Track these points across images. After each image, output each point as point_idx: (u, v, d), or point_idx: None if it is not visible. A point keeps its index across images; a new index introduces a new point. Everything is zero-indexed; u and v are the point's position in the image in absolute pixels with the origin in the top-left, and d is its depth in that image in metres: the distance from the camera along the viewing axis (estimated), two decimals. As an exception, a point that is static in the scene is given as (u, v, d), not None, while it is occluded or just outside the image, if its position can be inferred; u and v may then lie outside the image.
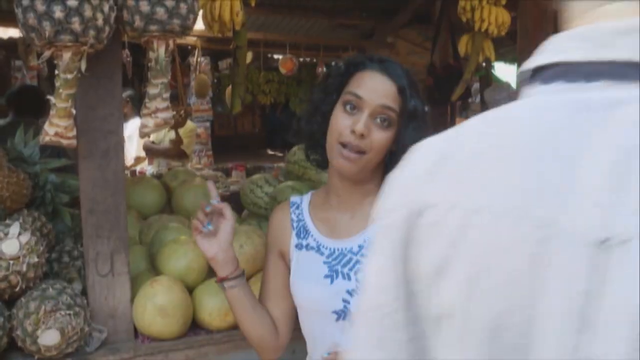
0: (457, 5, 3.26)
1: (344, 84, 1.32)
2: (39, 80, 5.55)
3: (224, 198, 2.62)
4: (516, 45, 3.93)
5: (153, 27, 1.36)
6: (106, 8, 1.29)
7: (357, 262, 1.33)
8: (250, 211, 2.45)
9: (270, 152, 9.08)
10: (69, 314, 1.41)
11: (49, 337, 1.35)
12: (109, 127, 1.49)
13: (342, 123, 1.27)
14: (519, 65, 3.66)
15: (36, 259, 1.47)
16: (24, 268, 1.44)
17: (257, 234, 1.77)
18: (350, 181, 1.35)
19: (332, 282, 1.33)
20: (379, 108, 1.26)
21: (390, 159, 1.33)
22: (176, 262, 1.68)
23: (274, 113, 10.24)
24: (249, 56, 4.52)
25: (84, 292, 1.57)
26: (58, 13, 1.22)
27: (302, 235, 1.41)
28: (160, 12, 1.35)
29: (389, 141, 1.29)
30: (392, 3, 5.52)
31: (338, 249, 1.36)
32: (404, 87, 1.28)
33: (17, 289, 1.44)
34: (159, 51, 1.41)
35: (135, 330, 1.60)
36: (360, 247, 1.35)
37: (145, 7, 1.34)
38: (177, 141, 4.69)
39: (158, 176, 3.81)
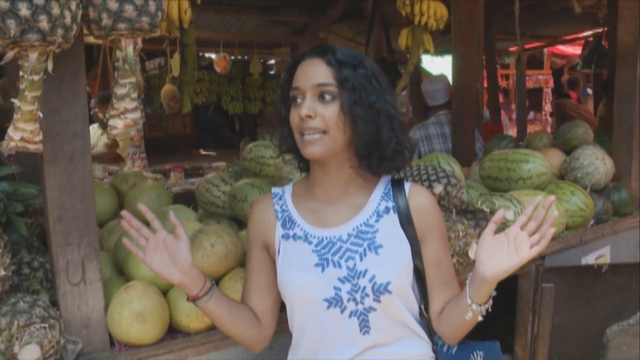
0: (391, 1, 3.34)
1: (290, 85, 1.38)
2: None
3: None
4: (445, 37, 4.08)
5: (122, 25, 1.31)
6: (73, 6, 1.23)
7: (347, 250, 1.36)
8: (207, 211, 2.42)
9: (203, 152, 8.94)
10: (44, 327, 1.34)
11: (28, 353, 1.28)
12: (74, 129, 1.43)
13: (293, 116, 1.34)
14: (453, 56, 3.81)
15: (3, 272, 1.39)
16: (-9, 282, 1.36)
17: (226, 233, 1.75)
18: (332, 170, 1.38)
19: (323, 270, 1.35)
20: (315, 88, 1.31)
21: (359, 143, 1.35)
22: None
23: (205, 113, 10.08)
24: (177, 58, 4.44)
25: (53, 303, 1.50)
26: (24, 10, 1.16)
27: (288, 226, 1.42)
28: (130, 9, 1.30)
29: (341, 113, 1.31)
30: (323, -1, 5.59)
31: (327, 238, 1.38)
32: (331, 61, 1.32)
33: (-13, 304, 1.36)
34: (127, 50, 1.37)
35: (111, 339, 1.54)
36: (350, 235, 1.38)
37: (113, 4, 1.29)
38: (113, 145, 4.54)
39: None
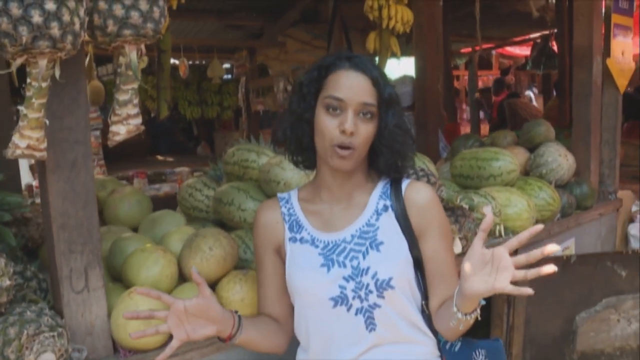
0: (350, 4, 3.40)
1: (320, 89, 1.40)
2: None
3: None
4: (410, 38, 4.19)
5: (127, 32, 1.32)
6: (82, 12, 1.24)
7: (351, 250, 1.40)
8: (190, 215, 2.41)
9: (159, 157, 8.79)
10: (53, 336, 1.33)
11: (45, 361, 1.27)
12: (76, 137, 1.43)
13: (329, 126, 1.35)
14: (415, 58, 3.92)
15: (8, 282, 1.37)
16: (-3, 293, 1.34)
17: (223, 236, 1.77)
18: (343, 176, 1.43)
19: (328, 270, 1.39)
20: (361, 105, 1.35)
21: (383, 159, 1.43)
22: (148, 270, 1.64)
23: (157, 118, 9.91)
24: (146, 60, 4.37)
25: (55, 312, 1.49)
26: (36, 17, 1.15)
27: (295, 229, 1.45)
28: (135, 16, 1.31)
29: (374, 132, 1.38)
30: (279, 3, 5.62)
31: (332, 242, 1.43)
32: (377, 78, 1.37)
33: (-6, 315, 1.34)
34: (131, 56, 1.37)
35: (114, 345, 1.54)
36: (353, 236, 1.42)
37: (119, 11, 1.30)
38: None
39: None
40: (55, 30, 1.18)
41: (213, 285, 1.75)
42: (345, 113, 1.35)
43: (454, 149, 3.65)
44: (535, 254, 1.19)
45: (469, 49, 7.70)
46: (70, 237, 1.44)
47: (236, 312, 1.40)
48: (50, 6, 1.16)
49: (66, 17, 1.19)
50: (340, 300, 1.39)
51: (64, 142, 1.41)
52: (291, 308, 1.49)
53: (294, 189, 1.56)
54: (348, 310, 1.39)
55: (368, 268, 1.38)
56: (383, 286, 1.37)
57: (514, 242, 1.20)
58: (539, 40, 6.88)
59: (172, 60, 6.93)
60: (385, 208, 1.45)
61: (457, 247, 2.12)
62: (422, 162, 2.65)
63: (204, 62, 6.79)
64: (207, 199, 2.35)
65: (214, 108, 7.91)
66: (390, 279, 1.38)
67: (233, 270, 1.78)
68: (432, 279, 1.45)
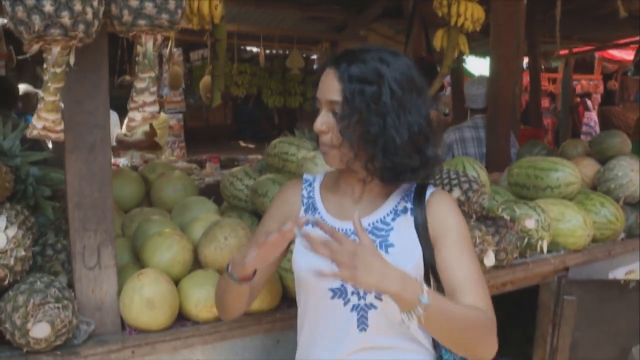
0: (431, 1, 3.32)
1: None
2: (6, 71, 5.42)
3: (198, 190, 2.63)
4: (488, 39, 4.03)
5: (141, 22, 1.36)
6: (95, 2, 1.29)
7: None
8: (230, 204, 2.46)
9: (242, 144, 9.06)
10: (58, 307, 1.41)
11: (39, 330, 1.35)
12: (95, 120, 1.49)
13: (315, 124, 1.36)
14: (490, 59, 3.75)
15: (23, 253, 1.47)
16: (12, 262, 1.44)
17: (241, 227, 1.79)
18: (355, 178, 1.42)
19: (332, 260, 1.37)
20: (328, 104, 1.33)
21: (370, 160, 1.34)
22: (161, 254, 1.70)
23: (246, 105, 10.20)
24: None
25: (70, 285, 1.57)
26: (48, 7, 1.22)
27: (310, 212, 1.46)
28: (149, 6, 1.35)
29: (346, 129, 1.30)
30: (364, -4, 5.58)
31: (342, 229, 1.40)
32: (342, 74, 1.30)
33: (5, 282, 1.44)
34: (147, 46, 1.41)
35: (122, 322, 1.61)
36: (365, 230, 1.38)
37: (134, 1, 1.34)
38: (151, 133, 4.66)
39: (133, 168, 3.79)
40: (66, 19, 1.24)
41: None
42: (320, 111, 1.35)
43: (519, 156, 3.48)
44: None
45: (566, 51, 7.26)
46: (85, 216, 1.52)
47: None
48: (62, -4, 1.22)
49: (77, 7, 1.24)
50: (339, 292, 1.37)
51: (83, 125, 1.48)
52: (264, 281, 1.48)
53: (320, 174, 1.55)
54: (345, 304, 1.37)
55: None
56: None
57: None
58: (644, 44, 6.36)
59: (253, 49, 7.09)
60: (405, 210, 1.41)
61: (490, 260, 2.02)
62: (472, 167, 2.54)
63: (287, 52, 6.88)
64: (246, 189, 2.38)
65: (297, 98, 7.99)
66: None
67: (248, 261, 1.79)
68: (450, 290, 1.35)
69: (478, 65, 7.50)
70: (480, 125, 3.97)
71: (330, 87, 1.32)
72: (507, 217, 2.16)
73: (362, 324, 1.37)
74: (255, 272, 1.36)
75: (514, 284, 2.29)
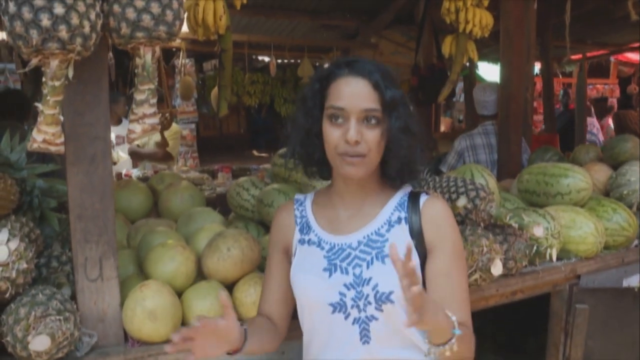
0: (441, 7, 3.31)
1: (323, 100, 1.37)
2: (22, 84, 5.50)
3: (210, 200, 2.63)
4: (499, 46, 3.99)
5: (139, 34, 1.37)
6: (93, 15, 1.30)
7: (356, 257, 1.38)
8: (236, 214, 2.46)
9: (256, 153, 9.09)
10: (59, 319, 1.41)
11: (39, 343, 1.35)
12: (95, 132, 1.50)
13: (334, 135, 1.33)
14: (501, 64, 3.72)
15: (25, 265, 1.48)
16: (14, 274, 1.45)
17: (243, 237, 1.79)
18: (356, 184, 1.41)
19: (330, 275, 1.38)
20: (363, 112, 1.31)
21: (392, 165, 1.39)
22: (164, 266, 1.70)
23: (259, 114, 10.24)
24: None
25: (73, 297, 1.58)
26: (45, 21, 1.23)
27: (305, 231, 1.46)
28: (147, 19, 1.36)
29: (382, 136, 1.33)
30: (374, 4, 5.57)
31: (338, 244, 1.41)
32: (377, 82, 1.32)
33: (7, 295, 1.44)
34: (146, 57, 1.42)
35: (125, 334, 1.60)
36: (360, 243, 1.39)
37: (131, 14, 1.35)
38: (163, 144, 4.69)
39: (144, 179, 3.81)
40: (63, 33, 1.25)
41: (230, 286, 1.77)
42: (348, 122, 1.32)
43: (531, 162, 3.44)
44: (397, 263, 1.09)
45: (579, 56, 7.18)
46: (87, 228, 1.52)
47: (242, 323, 1.37)
48: (59, 10, 1.23)
49: (75, 21, 1.25)
50: (339, 307, 1.37)
51: (84, 137, 1.49)
52: (288, 311, 1.50)
53: (311, 192, 1.56)
54: (345, 318, 1.37)
55: (370, 278, 1.36)
56: (382, 299, 1.34)
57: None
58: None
59: (264, 59, 7.12)
60: (399, 220, 1.41)
61: (498, 269, 1.99)
62: (481, 175, 2.51)
63: (298, 60, 6.91)
64: (252, 199, 2.38)
65: (309, 107, 8.02)
66: (390, 292, 1.33)
67: (251, 272, 1.79)
68: (440, 299, 1.33)
69: (491, 72, 7.45)
70: (490, 131, 3.94)
71: (364, 96, 1.31)
72: (516, 225, 2.12)
73: (365, 336, 1.36)
74: (242, 342, 1.31)
75: (524, 293, 2.25)
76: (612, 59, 9.20)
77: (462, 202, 2.06)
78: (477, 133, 3.97)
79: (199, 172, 5.12)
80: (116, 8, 1.35)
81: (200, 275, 1.79)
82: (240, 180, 2.51)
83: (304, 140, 1.42)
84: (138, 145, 4.77)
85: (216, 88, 6.11)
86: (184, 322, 1.65)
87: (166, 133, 4.68)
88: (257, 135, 9.97)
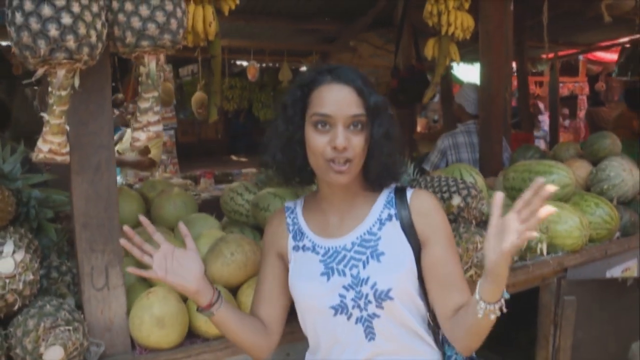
0: (420, 9, 3.36)
1: (305, 107, 1.39)
2: (-3, 93, 5.40)
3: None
4: (477, 46, 4.07)
5: (144, 43, 1.38)
6: (99, 25, 1.31)
7: (351, 258, 1.40)
8: (231, 219, 2.47)
9: (234, 158, 9.07)
10: (69, 330, 1.41)
11: (53, 353, 1.35)
12: (100, 141, 1.51)
13: (319, 142, 1.34)
14: (481, 65, 3.79)
15: (31, 277, 1.47)
16: (21, 286, 1.44)
17: (246, 242, 1.80)
18: (341, 188, 1.43)
19: (328, 279, 1.40)
20: (350, 118, 1.34)
21: (373, 167, 1.41)
22: (169, 272, 1.70)
23: (237, 119, 10.22)
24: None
25: (77, 307, 1.58)
26: (53, 31, 1.23)
27: (298, 238, 1.47)
28: (152, 27, 1.37)
29: (366, 141, 1.36)
30: (353, 8, 5.62)
31: (332, 248, 1.43)
32: (361, 88, 1.35)
33: (15, 307, 1.44)
34: (150, 66, 1.43)
35: (132, 342, 1.61)
36: (354, 244, 1.42)
37: (136, 23, 1.36)
38: (145, 151, 4.66)
39: (128, 186, 3.78)
40: (71, 42, 1.25)
41: (235, 290, 1.78)
42: (335, 128, 1.34)
43: (513, 160, 3.52)
44: (527, 194, 1.15)
45: (552, 55, 7.35)
46: (92, 237, 1.52)
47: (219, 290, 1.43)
48: (67, 20, 1.24)
49: (82, 31, 1.26)
50: (340, 309, 1.39)
51: (89, 146, 1.49)
52: (280, 315, 1.50)
53: (300, 198, 1.57)
54: (348, 319, 1.40)
55: (368, 278, 1.38)
56: (382, 297, 1.37)
57: (520, 202, 1.16)
58: (628, 45, 6.46)
59: (243, 63, 7.12)
60: (390, 217, 1.44)
61: (492, 265, 2.04)
62: (469, 174, 2.57)
63: (277, 64, 6.93)
64: (247, 204, 2.39)
65: (287, 110, 8.05)
66: (389, 290, 1.36)
67: (255, 276, 1.80)
68: (442, 286, 1.40)
69: (467, 72, 7.57)
70: (472, 130, 4.01)
71: (350, 102, 1.33)
72: (507, 222, 2.18)
73: (370, 334, 1.39)
74: (215, 298, 1.38)
75: (515, 287, 2.31)
76: (581, 57, 9.43)
77: (456, 200, 2.10)
78: (459, 132, 4.04)
79: (181, 178, 5.10)
80: (121, 17, 1.36)
81: (203, 280, 1.79)
82: (234, 185, 2.52)
83: (285, 147, 1.42)
84: (119, 152, 4.72)
85: (197, 94, 6.12)
86: (190, 328, 1.66)
87: (148, 140, 4.65)
88: (236, 140, 9.95)
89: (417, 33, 5.20)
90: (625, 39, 6.82)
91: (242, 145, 9.86)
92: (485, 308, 1.24)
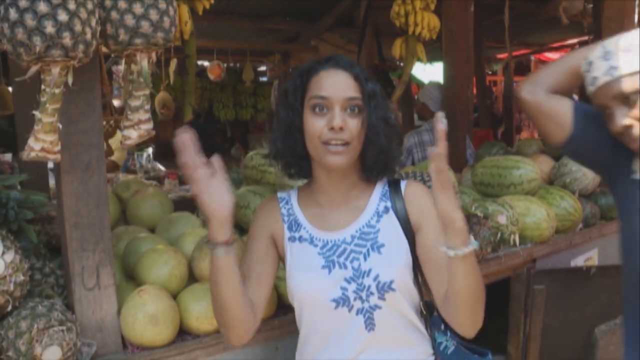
0: (383, 10, 3.43)
1: (304, 93, 1.42)
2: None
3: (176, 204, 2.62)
4: (435, 45, 4.17)
5: (138, 41, 1.38)
6: (93, 22, 1.30)
7: (352, 251, 1.43)
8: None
9: (195, 158, 8.94)
10: (62, 330, 1.40)
11: (51, 354, 1.34)
12: (90, 140, 1.49)
13: (317, 125, 1.37)
14: (444, 64, 3.90)
15: (22, 278, 1.45)
16: (12, 287, 1.41)
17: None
18: (338, 176, 1.45)
19: (329, 272, 1.41)
20: (346, 100, 1.38)
21: (369, 154, 1.43)
22: (158, 270, 1.70)
23: (197, 119, 10.09)
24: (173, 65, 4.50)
25: (67, 307, 1.56)
26: (49, 28, 1.22)
27: (294, 229, 1.48)
28: (146, 25, 1.37)
29: (363, 125, 1.39)
30: (315, 7, 5.66)
31: (331, 241, 1.45)
32: (358, 74, 1.40)
33: (8, 309, 1.41)
34: (142, 64, 1.43)
35: (123, 341, 1.60)
36: (353, 237, 1.44)
37: (130, 21, 1.36)
38: (108, 153, 4.57)
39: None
40: (67, 40, 1.24)
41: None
42: (332, 111, 1.37)
43: (478, 156, 3.63)
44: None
45: (506, 55, 7.58)
46: (83, 236, 1.51)
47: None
48: (63, 17, 1.23)
49: (78, 28, 1.25)
50: (342, 301, 1.41)
51: (79, 145, 1.48)
52: (265, 299, 1.45)
53: (293, 189, 1.58)
54: (349, 310, 1.41)
55: (370, 270, 1.40)
56: (385, 288, 1.39)
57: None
58: (576, 46, 6.74)
59: (205, 63, 7.06)
60: (386, 209, 1.47)
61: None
62: (441, 169, 2.64)
63: (238, 65, 6.90)
64: (225, 202, 2.40)
65: (248, 110, 8.02)
66: (391, 281, 1.39)
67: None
68: (436, 268, 1.39)
69: (424, 72, 7.72)
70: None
71: (347, 85, 1.37)
72: (481, 215, 2.27)
73: (370, 324, 1.41)
74: (232, 240, 1.28)
75: (489, 278, 2.40)
76: (532, 57, 9.75)
77: (434, 195, 2.17)
78: (424, 130, 4.13)
79: (145, 179, 5.02)
80: (114, 15, 1.36)
81: (191, 278, 1.80)
82: (211, 184, 2.51)
83: (286, 135, 1.44)
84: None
85: (161, 93, 6.04)
86: (181, 325, 1.66)
87: (110, 141, 4.57)
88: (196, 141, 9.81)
89: (379, 33, 5.30)
90: (574, 40, 7.11)
91: (202, 145, 9.73)
92: (454, 254, 1.23)
